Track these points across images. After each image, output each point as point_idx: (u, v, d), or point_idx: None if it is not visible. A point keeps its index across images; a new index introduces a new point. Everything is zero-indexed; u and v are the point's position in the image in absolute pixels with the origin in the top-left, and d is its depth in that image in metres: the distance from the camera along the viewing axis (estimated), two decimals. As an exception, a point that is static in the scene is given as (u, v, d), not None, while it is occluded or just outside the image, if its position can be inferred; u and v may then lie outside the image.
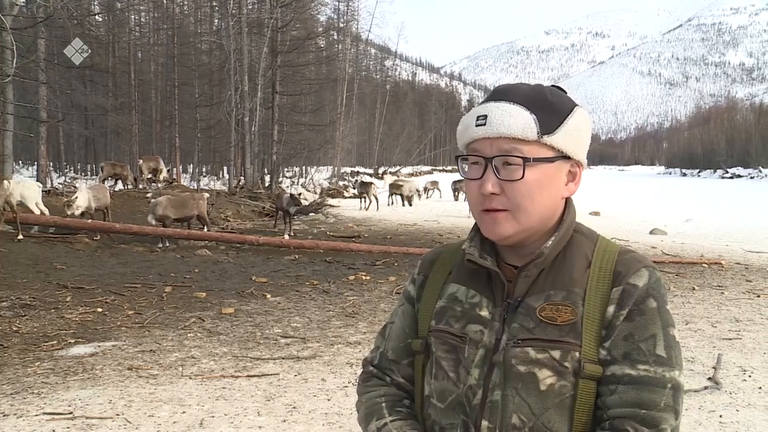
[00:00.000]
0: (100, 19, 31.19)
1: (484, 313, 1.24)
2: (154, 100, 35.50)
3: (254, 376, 5.23)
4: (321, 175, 38.73)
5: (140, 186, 22.20)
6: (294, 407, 4.56)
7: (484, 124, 1.21)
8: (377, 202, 23.87)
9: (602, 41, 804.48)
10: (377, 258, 11.66)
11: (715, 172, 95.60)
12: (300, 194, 16.61)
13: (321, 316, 7.40)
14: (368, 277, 9.84)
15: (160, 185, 22.22)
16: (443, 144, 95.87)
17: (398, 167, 56.09)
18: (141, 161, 23.56)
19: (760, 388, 5.08)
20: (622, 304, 1.18)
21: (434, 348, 1.28)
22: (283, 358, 5.74)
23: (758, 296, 8.88)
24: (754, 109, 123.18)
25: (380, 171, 49.47)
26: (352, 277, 9.83)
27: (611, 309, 1.18)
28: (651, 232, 16.35)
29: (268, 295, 8.46)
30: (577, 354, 1.16)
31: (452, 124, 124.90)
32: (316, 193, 27.44)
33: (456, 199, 28.38)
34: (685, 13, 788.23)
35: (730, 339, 6.57)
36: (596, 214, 21.73)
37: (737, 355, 6.01)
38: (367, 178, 32.11)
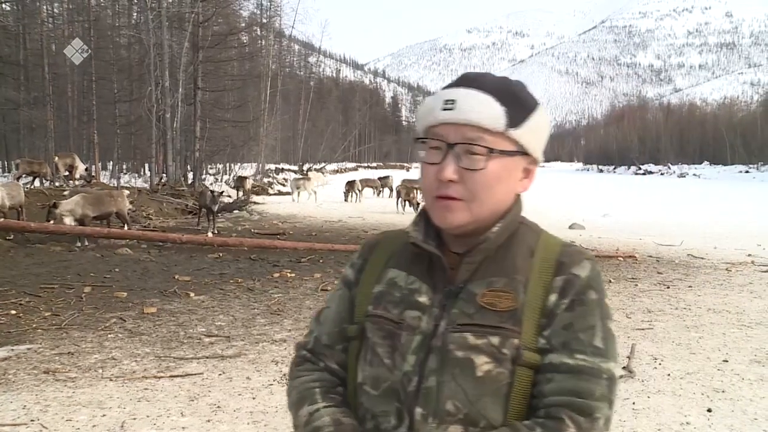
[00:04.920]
0: (8, 8, 29.84)
1: (423, 299, 1.22)
2: (70, 95, 34.17)
3: (177, 376, 5.15)
4: (245, 172, 38.19)
5: (56, 183, 21.39)
6: (218, 407, 4.52)
7: (452, 109, 1.18)
8: (315, 195, 25.90)
9: (522, 40, 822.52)
10: (302, 255, 11.62)
11: (629, 168, 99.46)
12: (222, 192, 16.32)
13: (245, 315, 7.34)
14: (293, 275, 9.81)
15: (76, 183, 21.48)
16: (368, 140, 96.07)
17: (323, 164, 55.93)
18: (57, 158, 22.69)
19: (669, 375, 5.34)
20: (564, 293, 1.18)
21: (370, 333, 1.25)
22: (207, 358, 5.67)
23: (668, 287, 9.31)
24: (663, 109, 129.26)
25: (305, 168, 49.22)
26: (277, 275, 9.77)
27: (553, 298, 1.18)
28: (570, 227, 16.86)
29: (192, 294, 8.32)
30: (516, 341, 1.15)
31: (376, 121, 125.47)
32: (245, 190, 27.09)
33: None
34: (598, 15, 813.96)
35: (642, 329, 6.87)
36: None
37: (649, 344, 6.29)
38: (299, 175, 32.24)
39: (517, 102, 1.21)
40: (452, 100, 1.19)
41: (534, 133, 1.23)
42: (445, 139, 1.19)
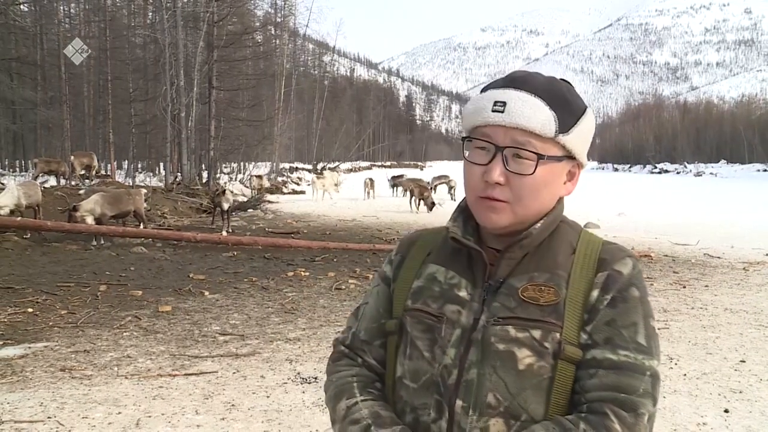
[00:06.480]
0: (26, 9, 30.12)
1: (463, 293, 1.23)
2: (86, 95, 34.53)
3: (192, 374, 5.17)
4: (259, 171, 38.33)
5: (72, 182, 21.57)
6: (233, 405, 4.53)
7: (502, 111, 1.17)
8: (322, 193, 26.12)
9: (536, 39, 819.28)
10: (316, 254, 11.64)
11: (644, 167, 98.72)
12: (224, 191, 16.18)
13: (260, 313, 7.36)
14: (307, 274, 9.82)
15: (93, 182, 21.65)
16: (382, 139, 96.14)
17: (337, 163, 55.99)
18: (73, 157, 22.89)
19: (685, 375, 5.30)
20: (607, 289, 1.18)
21: (409, 327, 1.25)
22: (221, 356, 5.69)
23: (684, 287, 9.24)
24: (679, 107, 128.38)
25: (319, 167, 49.29)
26: (291, 274, 9.79)
27: (595, 293, 1.18)
28: (585, 226, 16.65)
29: (206, 293, 8.36)
30: (558, 335, 1.15)
31: (390, 120, 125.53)
32: (254, 189, 27.19)
33: (394, 194, 28.42)
34: (614, 13, 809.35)
35: (658, 329, 6.78)
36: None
37: (665, 344, 6.23)
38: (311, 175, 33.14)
39: (567, 107, 1.21)
40: (503, 102, 1.18)
41: (581, 138, 1.23)
42: (494, 141, 1.19)
